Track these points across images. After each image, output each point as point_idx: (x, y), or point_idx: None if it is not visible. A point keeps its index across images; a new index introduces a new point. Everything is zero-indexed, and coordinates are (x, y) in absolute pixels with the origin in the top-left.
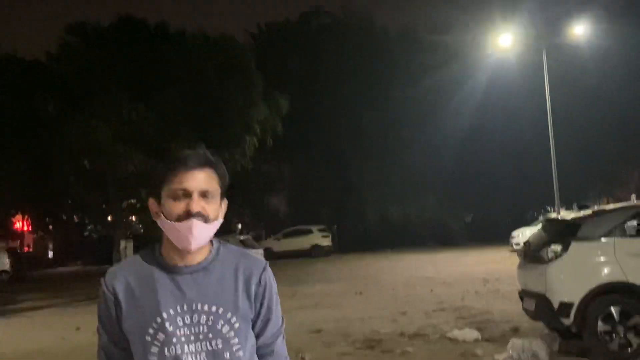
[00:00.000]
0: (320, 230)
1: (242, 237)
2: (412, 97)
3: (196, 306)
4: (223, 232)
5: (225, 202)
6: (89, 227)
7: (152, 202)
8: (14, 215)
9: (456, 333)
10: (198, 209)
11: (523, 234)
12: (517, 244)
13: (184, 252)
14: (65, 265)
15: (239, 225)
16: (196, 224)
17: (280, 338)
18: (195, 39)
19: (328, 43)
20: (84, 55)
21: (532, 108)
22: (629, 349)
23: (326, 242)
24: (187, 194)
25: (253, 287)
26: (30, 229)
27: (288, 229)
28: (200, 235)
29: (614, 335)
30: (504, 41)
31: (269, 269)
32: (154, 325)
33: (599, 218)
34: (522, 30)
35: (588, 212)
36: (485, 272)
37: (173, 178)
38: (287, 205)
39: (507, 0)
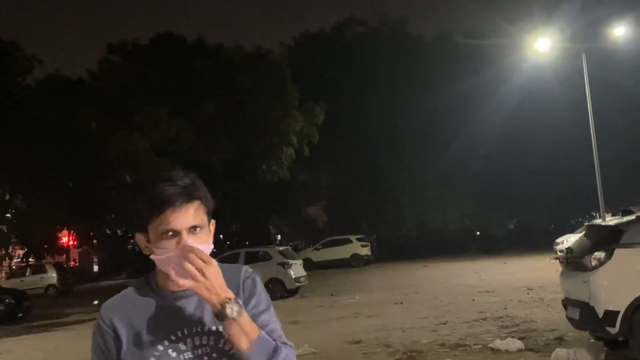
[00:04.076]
0: (359, 240)
1: (281, 248)
2: (448, 102)
3: (197, 329)
4: (262, 243)
5: (213, 223)
6: (132, 240)
7: (139, 237)
8: (60, 231)
9: (498, 343)
10: None
11: (568, 241)
12: (562, 251)
13: None
14: (109, 278)
15: (278, 236)
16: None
17: (283, 336)
18: (231, 53)
19: (362, 52)
20: (124, 72)
21: (571, 112)
22: None
23: (365, 251)
24: (176, 233)
25: (241, 296)
26: (75, 243)
27: (327, 239)
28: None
29: None
30: (542, 45)
31: (252, 275)
32: (155, 353)
33: None
34: (560, 34)
35: (631, 217)
36: (529, 280)
37: (159, 219)
38: (325, 215)
39: (544, 4)
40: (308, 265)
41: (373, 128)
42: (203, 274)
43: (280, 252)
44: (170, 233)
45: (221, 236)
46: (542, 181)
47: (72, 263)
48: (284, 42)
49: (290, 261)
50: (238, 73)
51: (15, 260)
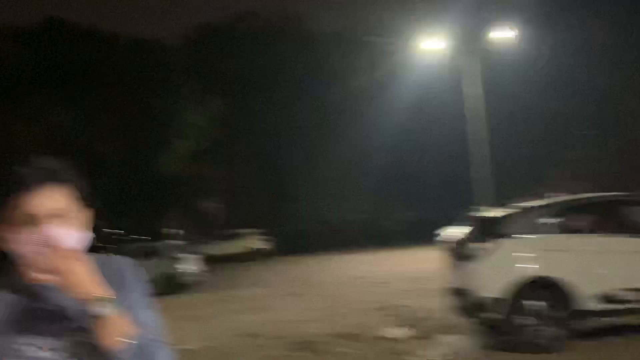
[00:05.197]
0: (258, 234)
1: (175, 242)
2: (348, 98)
3: (62, 324)
4: (159, 237)
5: (89, 211)
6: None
7: (1, 228)
8: None
9: (389, 331)
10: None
11: (444, 233)
12: (443, 242)
13: None
14: None
15: (176, 230)
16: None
17: (162, 335)
18: (126, 42)
19: (261, 46)
20: (12, 58)
21: (460, 111)
22: (556, 340)
23: (264, 245)
24: (33, 219)
25: (120, 289)
26: None
27: (226, 233)
28: None
29: (537, 327)
30: (429, 45)
31: (133, 267)
32: (15, 351)
33: (521, 215)
34: (449, 35)
35: (512, 209)
36: (418, 271)
37: (13, 202)
38: (225, 209)
39: (437, 6)
40: (206, 259)
41: (272, 123)
42: (65, 270)
43: (175, 246)
44: (27, 219)
45: (121, 230)
46: (434, 176)
47: None
48: (180, 32)
49: (185, 255)
50: (131, 63)
51: None
